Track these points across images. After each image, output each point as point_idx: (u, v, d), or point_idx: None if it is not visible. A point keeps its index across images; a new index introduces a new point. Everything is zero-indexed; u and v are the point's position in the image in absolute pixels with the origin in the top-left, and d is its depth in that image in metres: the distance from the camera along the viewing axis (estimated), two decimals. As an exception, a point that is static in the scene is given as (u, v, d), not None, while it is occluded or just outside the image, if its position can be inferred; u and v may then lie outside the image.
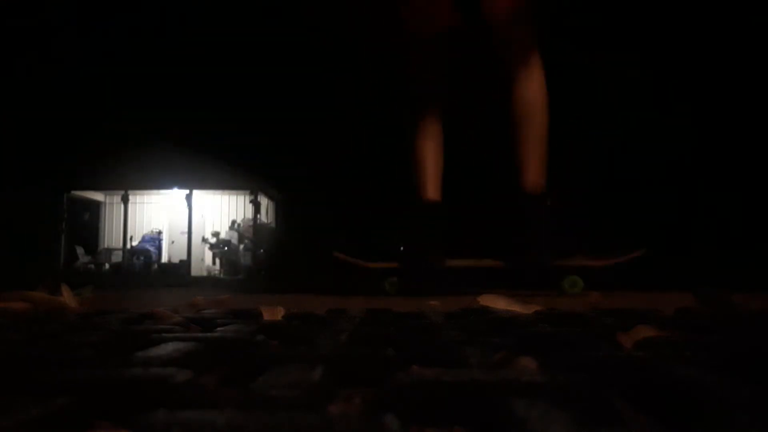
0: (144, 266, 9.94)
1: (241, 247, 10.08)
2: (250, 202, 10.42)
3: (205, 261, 10.49)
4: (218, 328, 0.73)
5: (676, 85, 3.07)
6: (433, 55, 2.13)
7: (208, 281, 7.52)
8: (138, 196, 10.95)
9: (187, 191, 10.36)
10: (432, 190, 2.05)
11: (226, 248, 10.12)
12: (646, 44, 3.00)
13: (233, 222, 10.59)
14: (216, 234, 10.28)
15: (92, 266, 9.92)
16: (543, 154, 1.98)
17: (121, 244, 10.50)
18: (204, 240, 10.25)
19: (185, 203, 10.38)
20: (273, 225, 10.36)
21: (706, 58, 3.08)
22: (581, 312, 0.94)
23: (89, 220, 11.02)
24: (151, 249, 10.33)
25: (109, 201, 11.42)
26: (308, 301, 1.57)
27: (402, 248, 2.20)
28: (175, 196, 10.55)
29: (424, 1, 2.06)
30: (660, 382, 0.35)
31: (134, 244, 10.40)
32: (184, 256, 10.20)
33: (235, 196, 11.13)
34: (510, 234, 1.99)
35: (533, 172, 1.97)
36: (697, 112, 3.06)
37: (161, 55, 8.08)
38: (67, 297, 1.15)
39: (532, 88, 2.00)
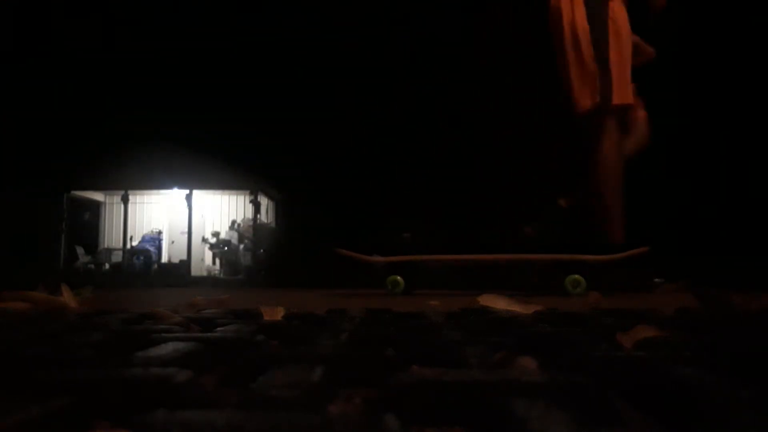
0: (144, 266, 9.92)
1: (241, 247, 10.06)
2: (250, 202, 10.41)
3: (205, 261, 10.48)
4: (218, 328, 0.73)
5: (678, 86, 3.07)
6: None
7: (208, 281, 7.52)
8: (138, 196, 10.93)
9: (187, 191, 10.35)
10: None
11: (226, 248, 10.10)
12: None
13: (233, 222, 10.58)
14: (216, 234, 10.27)
15: (92, 266, 9.91)
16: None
17: (121, 244, 10.49)
18: (204, 240, 10.24)
19: (185, 203, 10.37)
20: (273, 225, 10.36)
21: (706, 58, 3.08)
22: (581, 312, 0.94)
23: (89, 220, 11.00)
24: (151, 249, 10.32)
25: (109, 201, 11.40)
26: (308, 301, 1.57)
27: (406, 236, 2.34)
28: (175, 196, 10.54)
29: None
30: (660, 382, 0.35)
31: (134, 244, 10.38)
32: (184, 256, 10.19)
33: (235, 196, 11.11)
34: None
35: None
36: (699, 113, 3.06)
37: (161, 54, 8.08)
38: (67, 297, 1.15)
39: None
